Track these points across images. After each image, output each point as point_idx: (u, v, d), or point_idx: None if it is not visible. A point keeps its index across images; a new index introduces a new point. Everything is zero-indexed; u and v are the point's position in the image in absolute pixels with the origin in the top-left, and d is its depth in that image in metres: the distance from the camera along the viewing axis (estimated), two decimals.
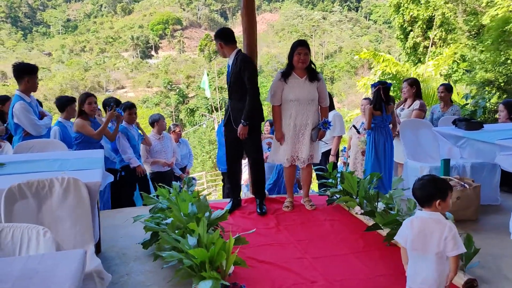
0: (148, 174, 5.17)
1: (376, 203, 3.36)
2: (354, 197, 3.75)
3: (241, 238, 2.80)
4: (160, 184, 3.57)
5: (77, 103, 4.44)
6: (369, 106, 4.50)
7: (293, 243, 3.18)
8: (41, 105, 4.69)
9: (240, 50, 3.90)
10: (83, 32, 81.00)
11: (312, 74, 3.87)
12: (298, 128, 3.87)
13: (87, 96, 4.41)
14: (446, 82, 8.38)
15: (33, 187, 2.09)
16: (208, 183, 16.08)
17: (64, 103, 4.58)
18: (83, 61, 64.84)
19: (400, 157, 4.65)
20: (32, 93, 4.21)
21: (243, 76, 3.73)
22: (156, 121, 5.54)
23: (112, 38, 75.61)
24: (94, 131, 4.25)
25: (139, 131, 5.04)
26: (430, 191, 2.13)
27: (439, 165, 3.83)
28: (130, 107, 4.85)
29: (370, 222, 3.49)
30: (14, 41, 74.74)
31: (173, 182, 3.72)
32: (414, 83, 5.05)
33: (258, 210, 3.89)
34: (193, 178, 4.43)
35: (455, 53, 12.76)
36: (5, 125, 4.00)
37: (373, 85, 4.54)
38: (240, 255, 2.55)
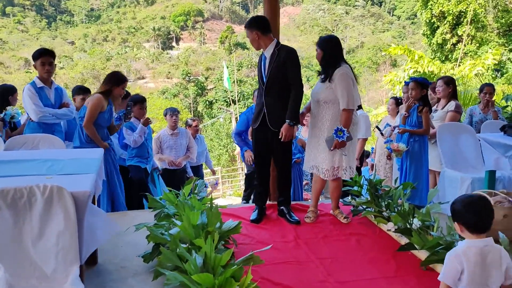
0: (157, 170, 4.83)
1: (411, 220, 2.93)
2: (383, 210, 3.33)
3: (254, 257, 2.42)
4: (169, 188, 3.22)
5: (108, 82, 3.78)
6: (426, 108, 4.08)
7: (315, 262, 2.79)
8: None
9: (279, 41, 3.49)
10: (105, 22, 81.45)
11: (326, 73, 3.41)
12: (316, 133, 3.48)
13: (124, 81, 3.82)
14: (484, 82, 7.80)
15: (9, 196, 1.74)
16: (223, 178, 15.74)
17: (74, 92, 4.29)
18: (105, 50, 65.04)
19: (435, 164, 4.19)
20: (56, 81, 3.92)
21: (286, 70, 3.34)
22: (164, 116, 5.20)
23: (134, 28, 75.78)
24: (91, 121, 3.58)
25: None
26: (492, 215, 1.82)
27: (483, 176, 3.37)
28: (142, 101, 4.52)
29: (401, 239, 3.08)
30: (39, 29, 75.59)
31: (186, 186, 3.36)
32: (450, 82, 4.59)
33: (292, 220, 3.50)
34: (206, 186, 4.02)
35: (497, 55, 12.04)
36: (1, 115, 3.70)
37: (406, 83, 4.12)
38: (252, 275, 2.17)
